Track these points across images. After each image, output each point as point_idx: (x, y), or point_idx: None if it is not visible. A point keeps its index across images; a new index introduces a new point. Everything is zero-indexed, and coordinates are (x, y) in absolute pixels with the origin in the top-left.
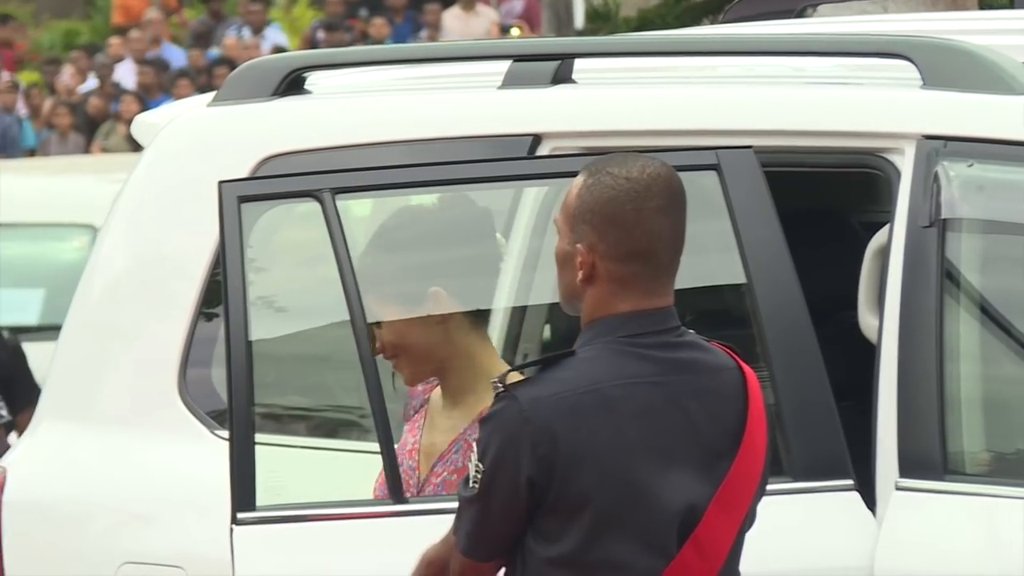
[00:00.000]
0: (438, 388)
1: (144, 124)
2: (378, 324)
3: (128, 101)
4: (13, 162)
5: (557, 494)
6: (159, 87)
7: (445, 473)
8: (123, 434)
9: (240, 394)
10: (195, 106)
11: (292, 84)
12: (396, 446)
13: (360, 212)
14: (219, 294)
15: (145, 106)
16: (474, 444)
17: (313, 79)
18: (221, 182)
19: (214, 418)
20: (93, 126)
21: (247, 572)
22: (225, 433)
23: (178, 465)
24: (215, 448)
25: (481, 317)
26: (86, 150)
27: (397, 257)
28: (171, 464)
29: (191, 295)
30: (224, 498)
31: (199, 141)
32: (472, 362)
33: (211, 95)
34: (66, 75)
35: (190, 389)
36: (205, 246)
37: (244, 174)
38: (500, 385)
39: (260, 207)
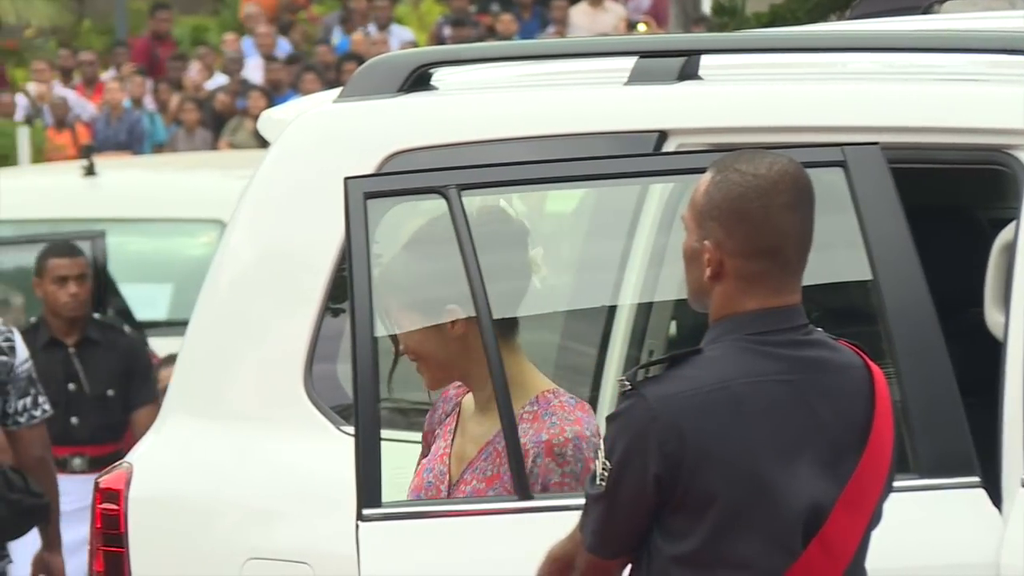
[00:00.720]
0: (470, 393)
1: (270, 120)
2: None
3: (255, 97)
4: (142, 158)
5: (684, 492)
6: (287, 83)
7: (474, 481)
8: (249, 430)
9: (366, 390)
10: (321, 102)
11: (418, 80)
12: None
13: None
14: (345, 289)
15: (272, 102)
16: (600, 442)
17: (439, 75)
18: (347, 178)
19: (340, 414)
20: (220, 122)
21: (372, 568)
22: (350, 429)
23: (304, 461)
24: (340, 444)
25: (509, 327)
26: (213, 146)
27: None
28: (297, 460)
29: (317, 290)
30: (350, 494)
31: (325, 137)
32: (511, 372)
33: (337, 91)
34: (193, 71)
35: (316, 385)
36: (331, 241)
37: (370, 170)
38: (627, 383)
39: (386, 203)
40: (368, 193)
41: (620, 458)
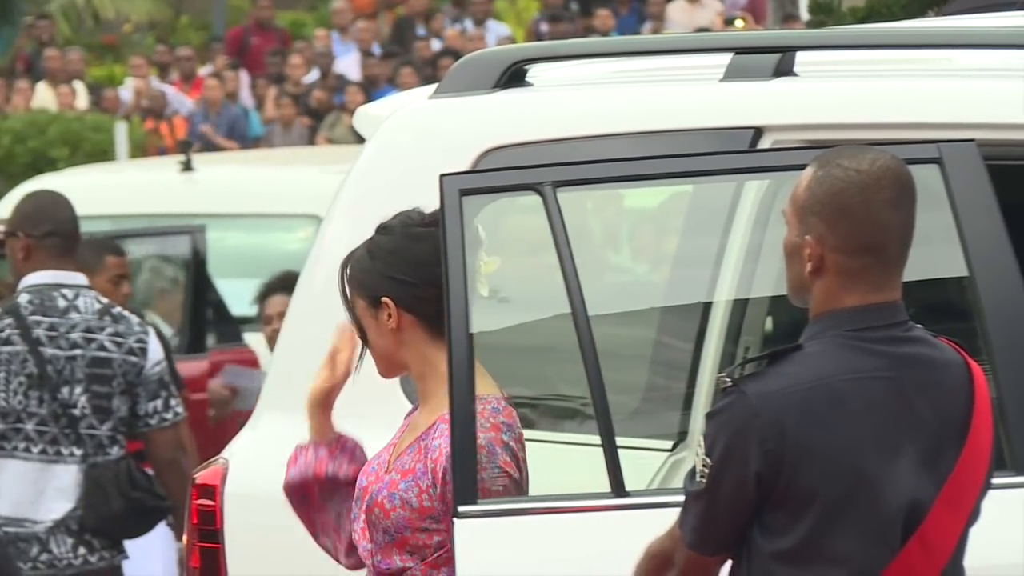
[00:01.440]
0: None
1: (366, 116)
2: (352, 314)
3: (352, 92)
4: (239, 153)
5: (784, 488)
6: (384, 78)
7: (393, 472)
8: (344, 425)
9: (461, 387)
10: (417, 98)
11: (514, 76)
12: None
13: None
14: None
15: (369, 97)
16: (701, 439)
17: (534, 71)
18: (443, 175)
19: None
20: (317, 117)
21: (468, 564)
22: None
23: None
24: None
25: (440, 325)
26: (310, 140)
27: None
28: None
29: None
30: None
31: (421, 133)
32: (431, 369)
33: (433, 87)
34: (293, 64)
35: (411, 381)
36: None
37: (466, 166)
38: (728, 380)
39: (481, 200)
40: (464, 190)
41: (721, 455)
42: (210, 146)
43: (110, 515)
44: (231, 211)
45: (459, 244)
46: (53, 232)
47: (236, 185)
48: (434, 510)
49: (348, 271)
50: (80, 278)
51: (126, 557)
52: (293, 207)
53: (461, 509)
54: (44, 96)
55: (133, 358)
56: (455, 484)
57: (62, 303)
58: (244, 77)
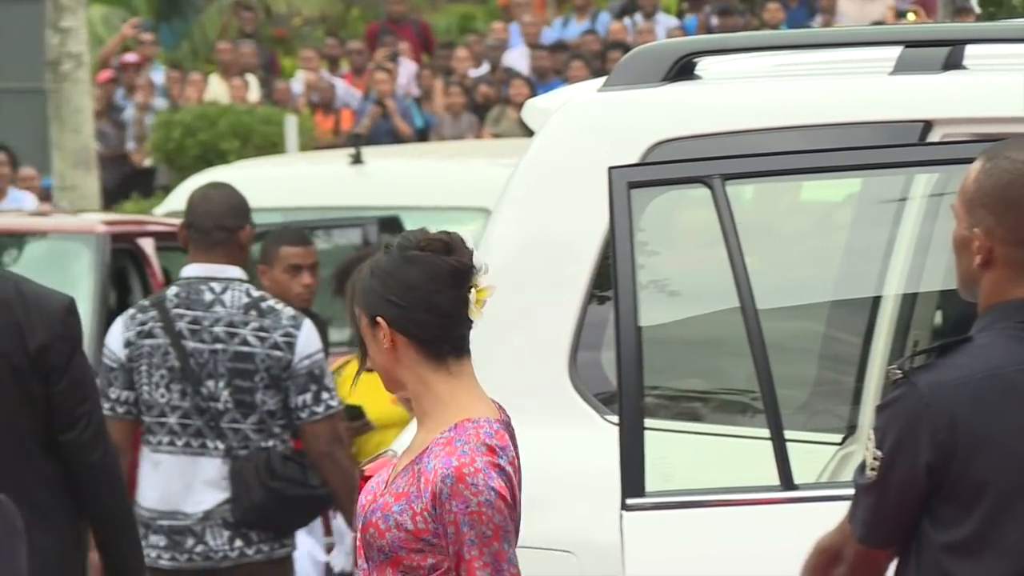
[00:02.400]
0: None
1: (535, 109)
2: (355, 325)
3: (518, 85)
4: (409, 146)
5: (956, 479)
6: (553, 71)
7: (388, 494)
8: (513, 416)
9: (630, 379)
10: (586, 91)
11: (683, 69)
12: None
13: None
14: (610, 278)
15: (535, 91)
16: (871, 432)
17: (703, 64)
18: (611, 168)
19: (604, 402)
20: (483, 110)
21: (637, 557)
22: (614, 417)
23: (568, 449)
24: (604, 432)
25: (445, 349)
26: (477, 132)
27: None
28: (561, 448)
29: (582, 278)
30: (614, 483)
31: (590, 126)
32: (427, 390)
33: (602, 80)
34: (460, 58)
35: (580, 373)
36: (596, 230)
37: (634, 159)
38: (899, 372)
39: (650, 192)
40: (632, 183)
41: (891, 447)
42: (382, 132)
43: (252, 506)
44: (401, 204)
45: (627, 237)
46: (191, 225)
47: (406, 178)
48: (428, 532)
49: (355, 285)
50: (233, 271)
51: (292, 549)
52: (462, 200)
53: (629, 502)
54: (216, 89)
55: (278, 352)
56: (622, 475)
57: (208, 296)
58: (410, 68)
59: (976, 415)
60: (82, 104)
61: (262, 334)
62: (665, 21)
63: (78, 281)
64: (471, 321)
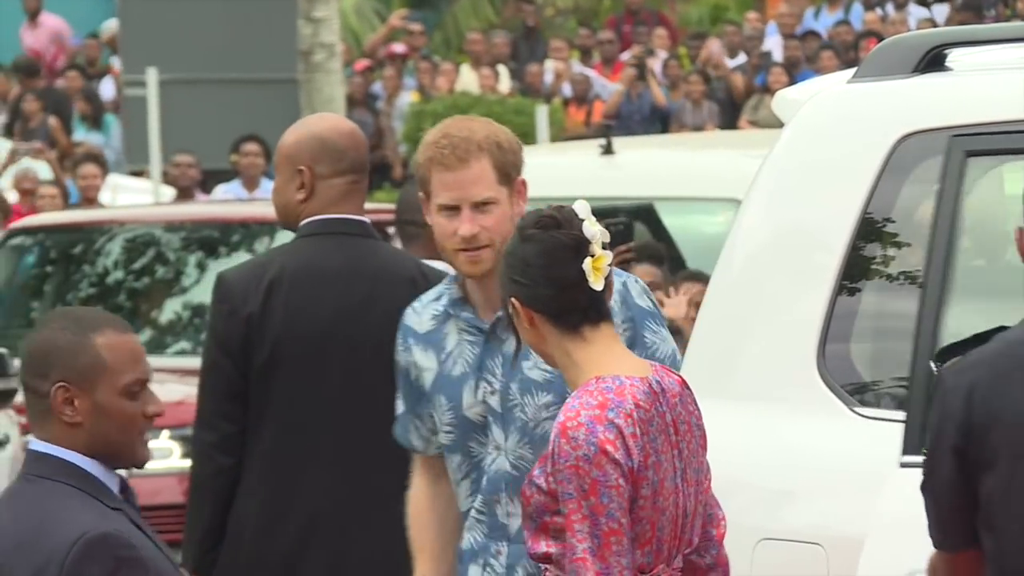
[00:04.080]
0: None
1: (785, 100)
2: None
3: (776, 73)
4: (659, 137)
5: (975, 457)
6: (805, 61)
7: (537, 470)
8: (760, 409)
9: (925, 342)
10: (836, 82)
11: (933, 60)
12: None
13: None
14: (861, 268)
15: (792, 80)
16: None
17: (954, 56)
18: (954, 135)
19: (852, 394)
20: (731, 105)
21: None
22: (862, 409)
23: (817, 442)
24: (854, 425)
25: (577, 319)
26: (721, 121)
27: None
28: (810, 441)
29: (832, 269)
30: (863, 476)
31: (840, 117)
32: (568, 358)
33: (852, 71)
34: (713, 48)
35: (828, 364)
36: (846, 220)
37: (883, 151)
38: (935, 370)
39: (988, 163)
40: (970, 151)
41: (931, 443)
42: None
43: None
44: (651, 194)
45: (953, 209)
46: (410, 221)
47: (656, 168)
48: (558, 491)
49: (503, 283)
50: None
51: None
52: (713, 190)
53: (906, 460)
54: (467, 79)
55: None
56: (906, 434)
57: None
58: (662, 56)
59: (989, 390)
60: (334, 94)
61: None
62: (916, 12)
63: None
64: (596, 290)
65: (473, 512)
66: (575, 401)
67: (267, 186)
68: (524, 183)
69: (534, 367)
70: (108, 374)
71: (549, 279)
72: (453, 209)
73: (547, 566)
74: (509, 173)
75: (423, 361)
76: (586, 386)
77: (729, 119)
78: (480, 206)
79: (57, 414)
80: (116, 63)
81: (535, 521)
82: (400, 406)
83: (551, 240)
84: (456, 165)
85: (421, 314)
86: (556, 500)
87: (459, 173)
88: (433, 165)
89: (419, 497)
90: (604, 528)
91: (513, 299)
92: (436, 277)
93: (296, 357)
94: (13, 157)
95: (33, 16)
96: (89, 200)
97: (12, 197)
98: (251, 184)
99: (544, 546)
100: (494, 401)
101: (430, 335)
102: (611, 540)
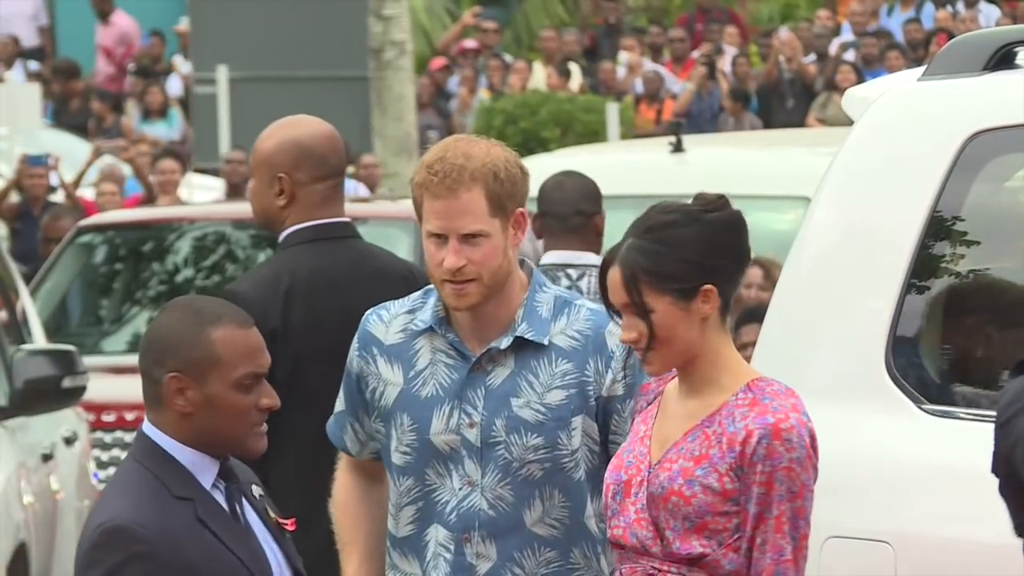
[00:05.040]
0: (673, 381)
1: (855, 98)
2: (643, 314)
3: (845, 71)
4: (730, 135)
5: None
6: (877, 59)
7: (680, 460)
8: (830, 407)
9: None
10: (906, 80)
11: (1003, 59)
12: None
13: None
14: (929, 267)
15: (862, 78)
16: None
17: None
18: None
19: (921, 393)
20: (810, 96)
21: None
22: (931, 407)
23: (886, 440)
24: (922, 424)
25: (727, 310)
26: (792, 119)
27: None
28: (879, 439)
29: (900, 268)
30: (933, 474)
31: (909, 115)
32: (717, 357)
33: (922, 69)
34: (783, 36)
35: (897, 363)
36: (915, 219)
37: (952, 150)
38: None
39: None
40: None
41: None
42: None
43: None
44: (721, 192)
45: None
46: (546, 213)
47: (726, 166)
48: (735, 492)
49: (642, 269)
50: (589, 258)
51: None
52: (783, 188)
53: None
54: (539, 77)
55: None
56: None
57: (565, 283)
58: (727, 56)
59: None
60: (404, 92)
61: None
62: (988, 10)
63: None
64: None
65: (433, 546)
66: (774, 402)
67: (348, 185)
68: (524, 215)
69: (525, 406)
70: (220, 368)
71: (742, 256)
72: (441, 237)
73: (683, 568)
74: (504, 205)
75: (387, 374)
76: (758, 389)
77: (801, 113)
78: (468, 238)
79: (169, 403)
80: (179, 60)
81: (691, 521)
82: (340, 405)
83: (736, 215)
84: (445, 194)
85: (389, 325)
86: (727, 501)
87: (448, 202)
88: (423, 190)
89: (349, 492)
90: (801, 531)
91: (708, 286)
92: (423, 275)
93: (316, 371)
94: (96, 154)
95: (105, 16)
96: (166, 194)
97: (89, 194)
98: None
99: (698, 546)
100: (471, 434)
101: (398, 348)
102: (803, 545)
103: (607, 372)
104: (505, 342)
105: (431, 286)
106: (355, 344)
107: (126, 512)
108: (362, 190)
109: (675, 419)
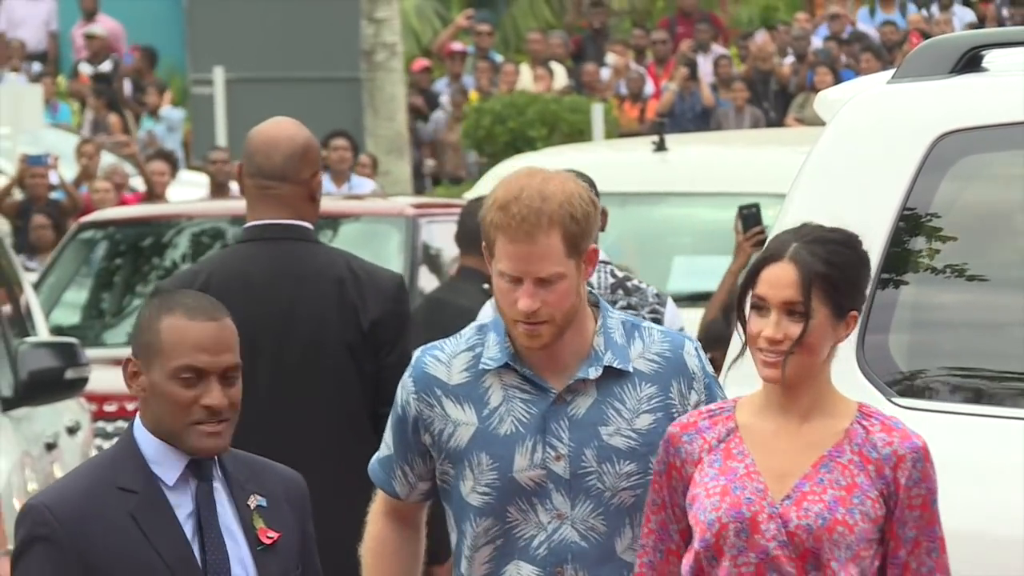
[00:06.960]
0: (742, 412)
1: (827, 100)
2: (803, 317)
3: (822, 73)
4: (712, 134)
5: None
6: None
7: (830, 490)
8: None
9: None
10: (876, 83)
11: (970, 62)
12: (705, 477)
13: None
14: (899, 263)
15: (838, 79)
16: None
17: (990, 57)
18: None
19: (890, 386)
20: (785, 93)
21: None
22: (901, 400)
23: None
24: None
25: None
26: (766, 120)
27: None
28: None
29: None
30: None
31: (879, 117)
32: (830, 383)
33: (892, 72)
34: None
35: (867, 356)
36: (886, 217)
37: (920, 151)
38: None
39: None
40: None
41: None
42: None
43: None
44: (703, 190)
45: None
46: None
47: (708, 165)
48: (882, 519)
49: (820, 275)
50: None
51: None
52: (762, 186)
53: None
54: (527, 78)
55: None
56: None
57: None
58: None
59: None
60: (395, 92)
61: (631, 312)
62: (962, 14)
63: (388, 261)
64: None
65: None
66: (902, 426)
67: (355, 181)
68: (596, 251)
69: (616, 434)
70: (161, 356)
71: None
72: (516, 279)
73: None
74: (579, 245)
75: (457, 415)
76: (875, 412)
77: (778, 115)
78: (543, 281)
79: (129, 387)
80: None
81: (852, 550)
82: (386, 449)
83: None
84: (522, 239)
85: (450, 365)
86: (876, 528)
87: (526, 247)
88: (498, 232)
89: (384, 541)
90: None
91: (855, 311)
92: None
93: None
94: (97, 151)
95: (90, 16)
96: (157, 195)
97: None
98: (339, 179)
99: (856, 575)
100: (559, 467)
101: (465, 388)
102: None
103: (690, 393)
104: (594, 372)
105: (483, 322)
106: (410, 387)
107: (49, 494)
108: (368, 188)
109: (788, 452)
